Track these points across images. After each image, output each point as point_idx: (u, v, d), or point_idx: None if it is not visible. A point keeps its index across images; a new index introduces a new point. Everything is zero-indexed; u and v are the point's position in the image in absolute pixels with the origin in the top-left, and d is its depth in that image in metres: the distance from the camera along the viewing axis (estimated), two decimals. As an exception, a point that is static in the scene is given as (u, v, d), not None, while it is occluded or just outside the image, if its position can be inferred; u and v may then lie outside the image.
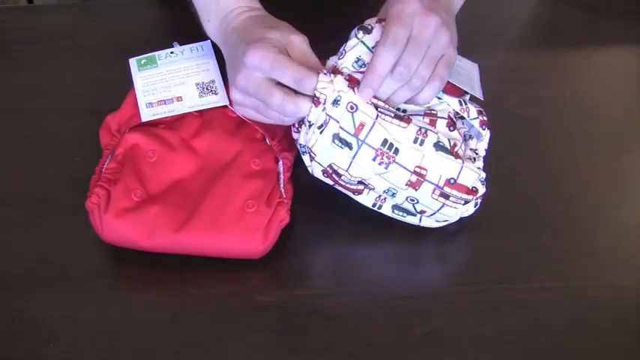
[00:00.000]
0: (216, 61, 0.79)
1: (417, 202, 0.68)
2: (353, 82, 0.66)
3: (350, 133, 0.65)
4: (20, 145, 0.79)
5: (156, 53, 0.79)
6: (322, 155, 0.67)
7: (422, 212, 0.69)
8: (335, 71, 0.67)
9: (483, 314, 0.66)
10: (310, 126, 0.66)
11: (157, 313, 0.66)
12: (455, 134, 0.69)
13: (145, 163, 0.71)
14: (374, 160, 0.66)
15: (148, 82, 0.77)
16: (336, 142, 0.66)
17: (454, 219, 0.70)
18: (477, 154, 0.71)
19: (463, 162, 0.67)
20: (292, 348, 0.64)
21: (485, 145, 0.72)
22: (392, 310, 0.67)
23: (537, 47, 0.92)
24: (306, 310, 0.66)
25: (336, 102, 0.65)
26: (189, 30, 0.90)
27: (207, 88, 0.77)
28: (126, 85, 0.78)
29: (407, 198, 0.68)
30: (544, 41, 0.94)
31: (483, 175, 0.69)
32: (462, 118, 0.71)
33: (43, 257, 0.70)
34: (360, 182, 0.69)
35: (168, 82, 0.77)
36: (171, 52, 0.79)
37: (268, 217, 0.68)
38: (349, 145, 0.65)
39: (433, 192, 0.67)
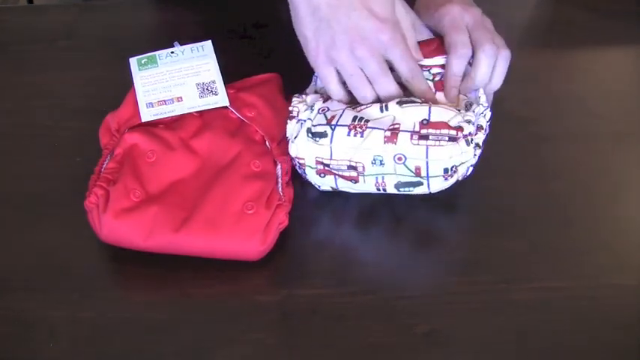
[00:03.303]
0: (216, 62, 0.78)
1: (405, 158, 0.68)
2: (324, 97, 0.74)
3: (323, 124, 0.70)
4: (20, 145, 0.79)
5: (156, 53, 0.79)
6: (307, 155, 0.71)
7: (418, 171, 0.69)
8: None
9: (483, 314, 0.66)
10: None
11: (156, 313, 0.66)
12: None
13: (144, 163, 0.71)
14: (348, 135, 0.69)
15: (148, 81, 0.77)
16: (310, 135, 0.70)
17: (459, 169, 0.69)
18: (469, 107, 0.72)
19: (430, 104, 0.70)
20: (292, 348, 0.64)
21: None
22: (392, 310, 0.66)
23: (537, 47, 0.93)
24: (306, 310, 0.66)
25: (309, 107, 0.72)
26: (189, 30, 0.90)
27: (207, 89, 0.77)
28: (126, 85, 0.78)
29: (395, 158, 0.68)
30: (544, 41, 0.94)
31: (470, 117, 0.69)
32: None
33: (43, 257, 0.70)
34: (349, 167, 0.70)
35: (169, 82, 0.77)
36: (172, 52, 0.79)
37: (267, 219, 0.68)
38: (324, 135, 0.70)
39: (412, 138, 0.68)
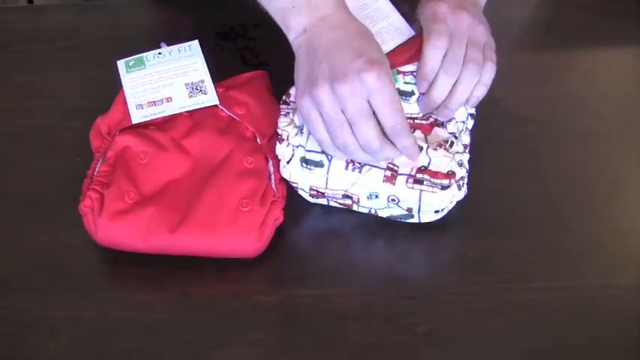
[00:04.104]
0: (204, 61, 0.78)
1: (399, 200, 0.69)
2: None
3: (318, 152, 0.69)
4: (20, 145, 0.79)
5: (144, 54, 0.79)
6: (301, 181, 0.71)
7: (410, 210, 0.69)
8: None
9: (483, 314, 0.66)
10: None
11: (156, 313, 0.66)
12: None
13: (137, 164, 0.71)
14: (346, 169, 0.69)
15: (136, 83, 0.77)
16: (304, 165, 0.69)
17: (449, 205, 0.70)
18: (456, 137, 0.71)
19: (431, 157, 0.69)
20: (292, 348, 0.64)
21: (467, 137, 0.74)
22: (392, 310, 0.67)
23: (537, 47, 0.93)
24: (306, 310, 0.66)
25: (300, 131, 0.70)
26: (188, 31, 0.90)
27: (196, 88, 0.77)
28: (126, 85, 0.78)
29: (389, 198, 0.69)
30: (544, 41, 0.94)
31: (461, 158, 0.70)
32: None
33: (43, 257, 0.70)
34: (345, 196, 0.70)
35: (157, 83, 0.77)
36: (159, 53, 0.79)
37: (263, 216, 0.69)
38: (320, 164, 0.69)
39: (407, 182, 0.68)
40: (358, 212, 0.73)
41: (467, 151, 0.71)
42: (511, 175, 0.77)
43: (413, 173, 0.68)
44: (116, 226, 0.67)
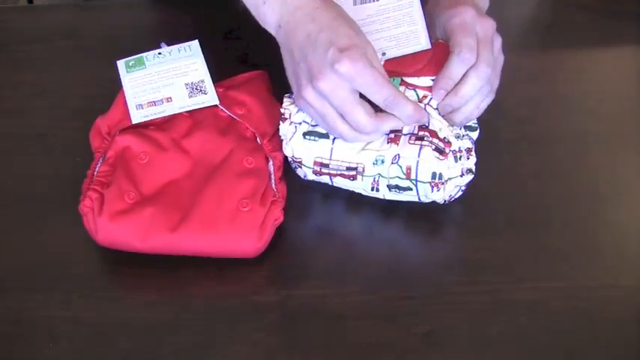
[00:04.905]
0: (204, 61, 0.78)
1: (399, 158, 0.69)
2: None
3: None
4: (20, 145, 0.79)
5: (144, 54, 0.79)
6: (305, 155, 0.71)
7: (408, 171, 0.69)
8: None
9: (483, 314, 0.66)
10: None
11: (156, 313, 0.66)
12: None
13: (137, 164, 0.71)
14: None
15: (136, 83, 0.77)
16: (308, 137, 0.70)
17: (446, 187, 0.69)
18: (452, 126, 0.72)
19: (430, 116, 0.70)
20: (292, 348, 0.64)
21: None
22: (392, 310, 0.67)
23: (537, 47, 0.93)
24: (306, 310, 0.66)
25: (301, 108, 0.70)
26: (188, 31, 0.90)
27: (196, 88, 0.77)
28: (126, 85, 0.78)
29: (392, 158, 0.69)
30: (544, 41, 0.94)
31: (459, 131, 0.70)
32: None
33: (43, 257, 0.70)
34: (348, 168, 0.70)
35: (157, 83, 0.77)
36: (159, 53, 0.79)
37: (263, 216, 0.69)
38: (325, 136, 0.70)
39: (409, 139, 0.69)
40: (358, 212, 0.73)
41: (472, 154, 0.71)
42: (510, 175, 0.77)
43: (415, 132, 0.69)
44: (116, 226, 0.67)
